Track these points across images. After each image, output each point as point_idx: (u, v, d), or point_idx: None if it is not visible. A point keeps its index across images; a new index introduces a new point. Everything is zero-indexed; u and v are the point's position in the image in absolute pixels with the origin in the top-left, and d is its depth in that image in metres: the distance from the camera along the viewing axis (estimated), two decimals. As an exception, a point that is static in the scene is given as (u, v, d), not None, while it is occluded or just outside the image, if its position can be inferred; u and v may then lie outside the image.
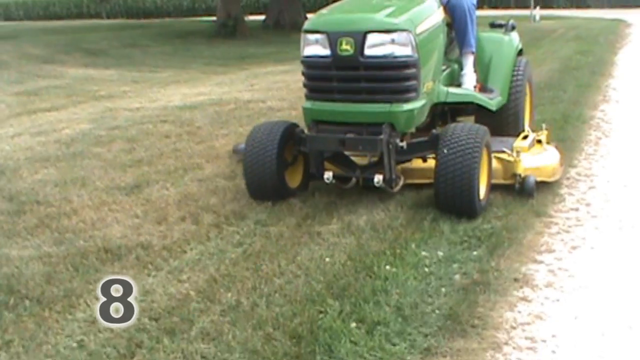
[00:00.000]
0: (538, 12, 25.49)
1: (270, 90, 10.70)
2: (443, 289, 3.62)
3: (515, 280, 3.83)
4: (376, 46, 4.54)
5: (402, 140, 4.68)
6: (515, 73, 6.05)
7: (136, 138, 7.62)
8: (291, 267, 3.94)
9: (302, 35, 4.84)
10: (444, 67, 5.41)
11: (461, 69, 5.73)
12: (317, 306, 3.42)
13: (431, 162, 4.78)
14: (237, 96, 10.36)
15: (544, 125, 5.78)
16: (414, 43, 4.58)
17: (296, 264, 3.98)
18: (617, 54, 14.76)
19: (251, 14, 29.51)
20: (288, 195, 5.06)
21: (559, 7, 34.45)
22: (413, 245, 4.16)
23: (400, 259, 3.94)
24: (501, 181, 5.10)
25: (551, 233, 4.55)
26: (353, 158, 5.12)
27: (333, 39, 4.57)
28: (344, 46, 4.52)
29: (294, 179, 5.17)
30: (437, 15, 5.11)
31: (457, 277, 3.78)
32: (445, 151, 4.52)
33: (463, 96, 5.54)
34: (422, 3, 4.99)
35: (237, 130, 7.65)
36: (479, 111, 5.76)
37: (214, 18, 26.67)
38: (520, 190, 5.00)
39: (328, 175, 4.81)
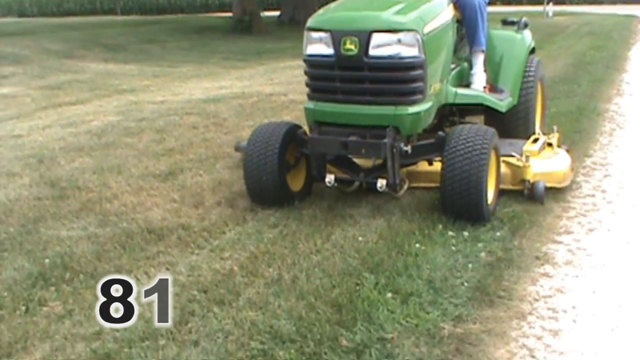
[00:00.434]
0: (551, 8, 25.63)
1: (291, 84, 10.98)
2: (470, 265, 3.89)
3: (537, 258, 4.10)
4: (381, 46, 4.37)
5: (407, 144, 4.55)
6: (527, 73, 5.87)
7: (165, 129, 7.90)
8: (326, 245, 4.21)
9: (305, 32, 4.68)
10: (453, 66, 5.27)
11: (471, 67, 5.58)
12: (353, 279, 3.70)
13: (437, 165, 4.65)
14: (259, 89, 10.65)
15: (555, 128, 5.73)
16: (421, 43, 4.39)
17: (331, 242, 4.25)
18: (630, 50, 14.94)
19: (266, 10, 29.75)
20: (290, 199, 4.92)
21: (571, 3, 34.51)
22: (440, 226, 4.42)
23: (428, 238, 4.21)
24: (509, 186, 4.99)
25: (569, 217, 4.80)
26: (357, 160, 4.98)
27: (337, 38, 4.41)
28: (348, 45, 4.36)
29: (296, 182, 5.04)
30: (446, 13, 4.93)
31: (482, 254, 4.05)
32: (451, 155, 4.38)
33: (472, 97, 5.35)
34: (430, 0, 4.80)
35: (262, 121, 7.89)
36: (488, 111, 5.61)
37: (230, 14, 26.99)
38: (529, 197, 4.91)
39: (330, 178, 4.69)
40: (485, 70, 5.60)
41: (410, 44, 4.39)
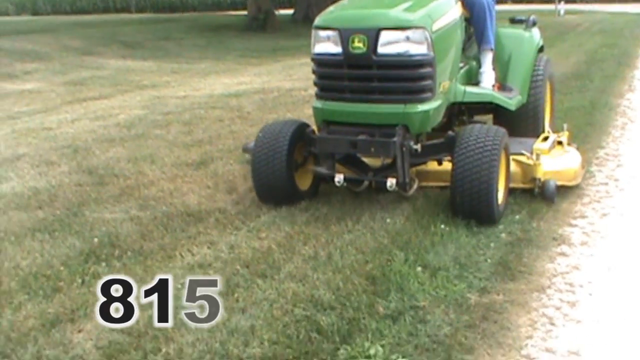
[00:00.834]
0: (563, 6, 25.86)
1: (309, 80, 11.10)
2: (492, 244, 4.19)
3: (554, 239, 4.38)
4: (390, 44, 4.34)
5: (416, 142, 4.52)
6: (536, 71, 5.82)
7: (191, 122, 8.21)
8: (357, 226, 4.50)
9: (313, 31, 4.66)
10: (461, 65, 5.23)
11: (479, 66, 5.55)
12: (385, 255, 3.99)
13: (447, 165, 4.62)
14: (278, 85, 10.96)
15: (565, 126, 5.71)
16: (430, 41, 4.37)
17: (361, 224, 4.53)
18: (641, 47, 15.18)
19: (280, 7, 30.06)
20: (297, 199, 4.93)
21: (582, 1, 34.67)
22: (462, 210, 4.70)
23: (452, 220, 4.49)
24: (520, 185, 4.98)
25: (584, 203, 5.07)
26: (365, 160, 4.96)
27: (345, 36, 4.38)
28: (356, 44, 4.34)
29: (304, 181, 5.03)
30: (455, 11, 4.91)
31: (503, 235, 4.34)
32: (461, 155, 4.38)
33: (481, 96, 5.32)
34: None
35: (285, 115, 8.20)
36: (497, 110, 5.59)
37: (244, 13, 27.38)
38: (540, 195, 4.91)
39: (339, 177, 4.67)
40: (494, 69, 5.58)
41: (419, 42, 4.38)
